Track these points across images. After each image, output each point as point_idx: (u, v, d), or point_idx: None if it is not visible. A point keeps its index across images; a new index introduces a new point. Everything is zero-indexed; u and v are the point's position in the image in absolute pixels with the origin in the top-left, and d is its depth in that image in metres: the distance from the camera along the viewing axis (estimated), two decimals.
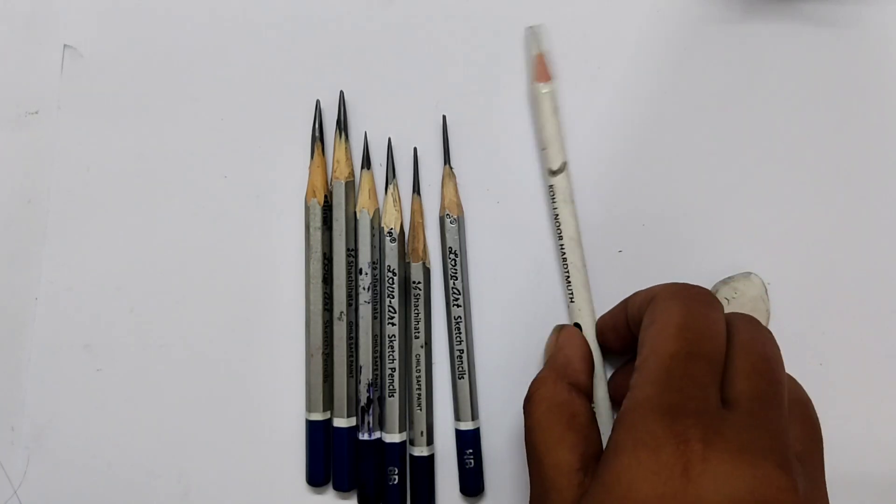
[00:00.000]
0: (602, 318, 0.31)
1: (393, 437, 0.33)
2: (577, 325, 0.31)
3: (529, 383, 0.28)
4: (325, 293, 0.34)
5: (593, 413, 0.27)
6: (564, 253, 0.31)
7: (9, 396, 0.36)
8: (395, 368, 0.33)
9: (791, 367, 0.25)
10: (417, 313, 0.33)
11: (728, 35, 0.34)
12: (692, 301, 0.25)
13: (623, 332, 0.29)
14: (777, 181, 0.34)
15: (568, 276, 0.31)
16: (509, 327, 0.34)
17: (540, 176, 0.34)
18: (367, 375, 0.33)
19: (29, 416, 0.36)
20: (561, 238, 0.31)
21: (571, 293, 0.31)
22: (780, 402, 0.23)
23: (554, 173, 0.30)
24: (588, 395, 0.28)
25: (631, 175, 0.34)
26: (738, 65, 0.34)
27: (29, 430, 0.36)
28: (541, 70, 0.30)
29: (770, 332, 0.25)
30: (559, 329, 0.31)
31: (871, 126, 0.34)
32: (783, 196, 0.34)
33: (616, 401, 0.31)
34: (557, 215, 0.31)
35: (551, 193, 0.31)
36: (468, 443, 0.33)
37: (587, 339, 0.31)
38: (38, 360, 0.36)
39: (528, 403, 0.27)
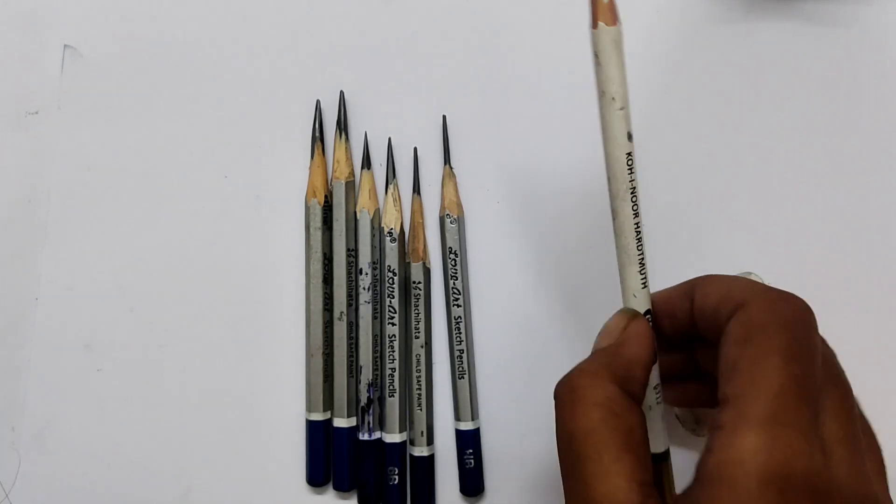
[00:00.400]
0: (655, 298, 0.26)
1: (393, 437, 0.33)
2: (649, 314, 0.25)
3: (572, 371, 0.23)
4: (325, 293, 0.34)
5: (646, 428, 0.23)
6: (640, 233, 0.25)
7: (9, 396, 0.36)
8: (395, 368, 0.33)
9: None
10: (417, 313, 0.33)
11: (729, 35, 0.34)
12: (797, 322, 0.21)
13: (684, 321, 0.24)
14: (777, 181, 0.34)
15: (642, 259, 0.25)
16: (509, 327, 0.34)
17: (539, 175, 0.34)
18: (367, 375, 0.33)
19: (29, 416, 0.36)
20: (637, 215, 0.24)
21: (644, 278, 0.25)
22: (860, 442, 0.21)
23: (630, 137, 0.24)
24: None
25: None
26: (738, 64, 0.34)
27: (29, 430, 0.36)
28: (613, 9, 0.22)
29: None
30: (631, 316, 0.25)
31: (871, 126, 0.34)
32: (783, 196, 0.34)
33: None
34: (634, 188, 0.24)
35: (629, 163, 0.24)
36: (468, 443, 0.33)
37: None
38: (38, 360, 0.36)
39: (574, 401, 0.22)
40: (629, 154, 0.24)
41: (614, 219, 0.25)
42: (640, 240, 0.25)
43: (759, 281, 0.32)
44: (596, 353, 0.24)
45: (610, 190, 0.24)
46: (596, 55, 0.23)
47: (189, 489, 0.35)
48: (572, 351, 0.34)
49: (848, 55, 0.34)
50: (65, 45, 0.37)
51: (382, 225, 0.34)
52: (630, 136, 0.24)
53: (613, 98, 0.23)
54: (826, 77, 0.34)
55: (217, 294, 0.35)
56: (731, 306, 0.22)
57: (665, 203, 0.34)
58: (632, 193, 0.24)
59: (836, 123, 0.34)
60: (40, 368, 0.36)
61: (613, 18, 0.22)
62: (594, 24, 0.22)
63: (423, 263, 0.33)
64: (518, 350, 0.34)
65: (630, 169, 0.24)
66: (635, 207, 0.24)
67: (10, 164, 0.37)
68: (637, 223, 0.24)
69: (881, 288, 0.33)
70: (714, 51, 0.34)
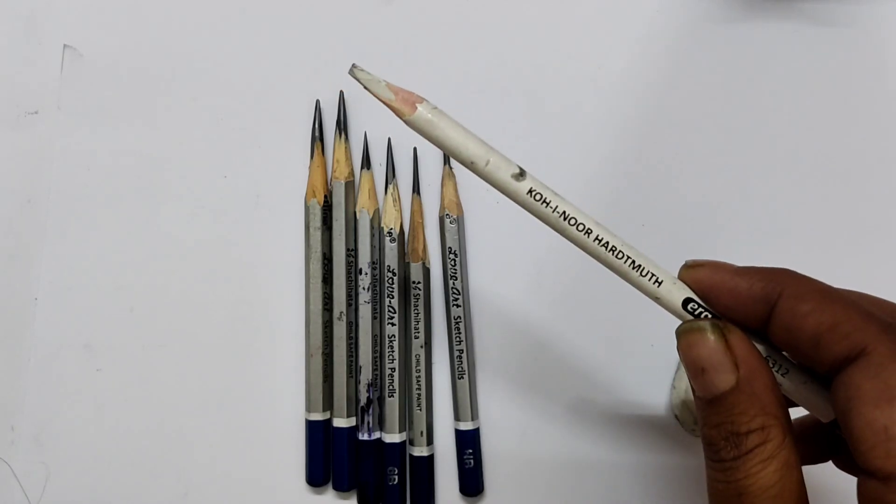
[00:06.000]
0: (709, 283, 0.22)
1: (393, 437, 0.33)
2: (716, 316, 0.22)
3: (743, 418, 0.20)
4: (324, 293, 0.34)
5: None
6: (607, 243, 0.23)
7: (9, 396, 0.36)
8: (394, 368, 0.33)
9: None
10: (417, 313, 0.33)
11: (729, 34, 0.34)
12: None
13: (748, 321, 0.21)
14: (777, 180, 0.34)
15: (633, 262, 0.23)
16: (509, 327, 0.34)
17: (538, 175, 0.34)
18: (366, 375, 0.33)
19: (29, 416, 0.36)
20: (589, 232, 0.23)
21: (653, 276, 0.22)
22: None
23: (521, 175, 0.23)
24: None
25: (631, 175, 0.34)
26: (738, 64, 0.34)
27: (29, 430, 0.36)
28: (406, 98, 0.23)
29: None
30: (717, 334, 0.21)
31: (870, 125, 0.34)
32: (783, 195, 0.34)
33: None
34: (565, 212, 0.23)
35: (537, 197, 0.23)
36: (468, 443, 0.33)
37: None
38: (38, 360, 0.36)
39: (749, 454, 0.19)
40: (530, 191, 0.23)
41: (579, 247, 0.23)
42: (613, 248, 0.23)
43: None
44: (727, 401, 0.20)
45: (551, 227, 0.23)
46: (429, 140, 0.22)
47: (189, 489, 0.35)
48: (572, 351, 0.34)
49: (848, 55, 0.34)
50: (65, 45, 0.37)
51: (382, 225, 0.34)
52: (518, 175, 0.23)
53: (473, 161, 0.22)
54: (826, 77, 0.34)
55: (217, 294, 0.35)
56: (845, 347, 0.19)
57: (665, 203, 0.34)
58: (564, 218, 0.23)
59: (835, 123, 0.34)
60: (40, 368, 0.36)
61: (411, 107, 0.23)
62: (402, 119, 0.22)
63: (423, 263, 0.33)
64: (518, 350, 0.34)
65: (543, 201, 0.23)
66: (581, 227, 0.23)
67: (9, 164, 0.37)
68: (597, 237, 0.23)
69: (881, 286, 0.33)
70: (714, 51, 0.34)
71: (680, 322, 0.22)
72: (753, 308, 0.21)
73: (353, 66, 0.23)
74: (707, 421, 0.21)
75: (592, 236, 0.23)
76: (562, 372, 0.34)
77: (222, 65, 0.36)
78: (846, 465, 0.24)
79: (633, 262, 0.22)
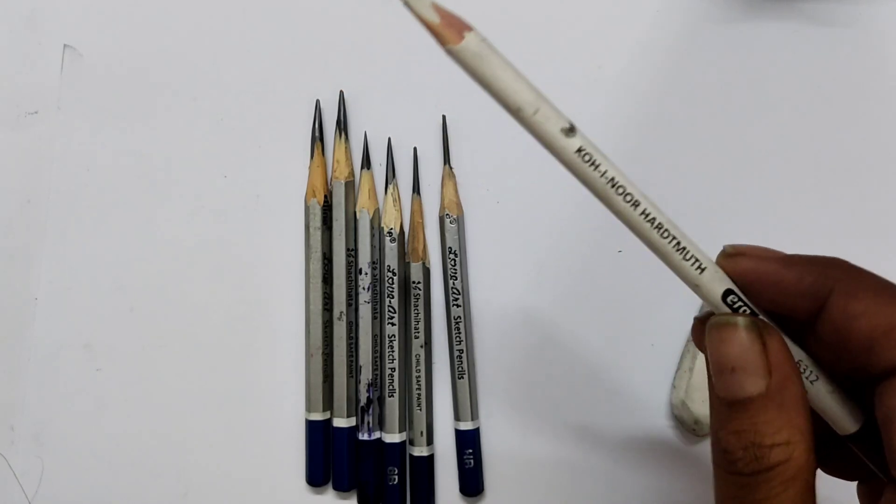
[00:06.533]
0: (752, 274, 0.20)
1: (393, 437, 0.33)
2: (753, 312, 0.20)
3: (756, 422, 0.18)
4: (324, 293, 0.34)
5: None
6: (654, 219, 0.21)
7: (9, 396, 0.36)
8: (394, 368, 0.33)
9: None
10: (417, 313, 0.33)
11: (729, 34, 0.34)
12: None
13: (794, 313, 0.20)
14: (777, 181, 0.34)
15: (678, 244, 0.21)
16: (509, 327, 0.34)
17: (539, 175, 0.34)
18: (366, 375, 0.33)
19: (29, 416, 0.36)
20: (637, 204, 0.20)
21: (697, 261, 0.20)
22: None
23: (571, 131, 0.20)
24: None
25: (631, 174, 0.34)
26: (738, 64, 0.34)
27: (29, 430, 0.36)
28: (453, 23, 0.19)
29: None
30: (755, 334, 0.19)
31: (870, 125, 0.34)
32: (784, 195, 0.34)
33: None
34: (614, 179, 0.20)
35: (586, 158, 0.20)
36: (468, 443, 0.33)
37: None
38: (38, 360, 0.36)
39: (770, 471, 0.18)
40: (580, 150, 0.20)
41: (622, 221, 0.21)
42: (659, 226, 0.20)
43: None
44: (752, 407, 0.18)
45: (595, 195, 0.20)
46: (473, 78, 0.19)
47: (189, 489, 0.35)
48: (572, 351, 0.34)
49: (848, 55, 0.34)
50: (65, 45, 0.37)
51: (382, 225, 0.34)
52: (569, 130, 0.20)
53: (520, 108, 0.19)
54: (826, 77, 0.34)
55: (217, 294, 0.35)
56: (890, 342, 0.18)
57: (665, 203, 0.34)
58: (613, 185, 0.20)
59: (835, 123, 0.34)
60: (40, 368, 0.36)
61: (458, 34, 0.19)
62: (444, 48, 0.19)
63: (423, 263, 0.33)
64: (518, 350, 0.34)
65: (592, 163, 0.20)
66: (629, 197, 0.20)
67: (9, 164, 0.37)
68: (644, 211, 0.20)
69: None
70: (714, 51, 0.34)
71: (700, 314, 0.21)
72: (801, 304, 0.19)
73: None
74: (725, 425, 0.19)
75: (639, 209, 0.20)
76: (562, 372, 0.34)
77: (222, 65, 0.36)
78: (834, 470, 0.23)
79: (679, 243, 0.20)
